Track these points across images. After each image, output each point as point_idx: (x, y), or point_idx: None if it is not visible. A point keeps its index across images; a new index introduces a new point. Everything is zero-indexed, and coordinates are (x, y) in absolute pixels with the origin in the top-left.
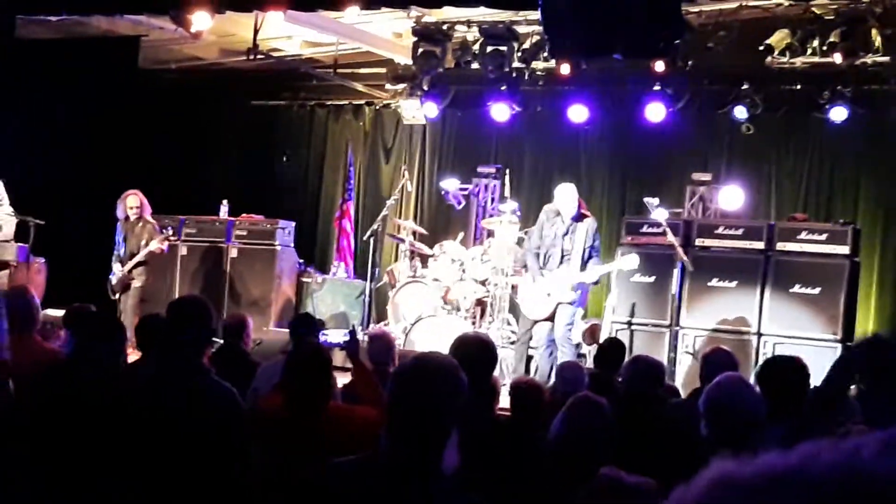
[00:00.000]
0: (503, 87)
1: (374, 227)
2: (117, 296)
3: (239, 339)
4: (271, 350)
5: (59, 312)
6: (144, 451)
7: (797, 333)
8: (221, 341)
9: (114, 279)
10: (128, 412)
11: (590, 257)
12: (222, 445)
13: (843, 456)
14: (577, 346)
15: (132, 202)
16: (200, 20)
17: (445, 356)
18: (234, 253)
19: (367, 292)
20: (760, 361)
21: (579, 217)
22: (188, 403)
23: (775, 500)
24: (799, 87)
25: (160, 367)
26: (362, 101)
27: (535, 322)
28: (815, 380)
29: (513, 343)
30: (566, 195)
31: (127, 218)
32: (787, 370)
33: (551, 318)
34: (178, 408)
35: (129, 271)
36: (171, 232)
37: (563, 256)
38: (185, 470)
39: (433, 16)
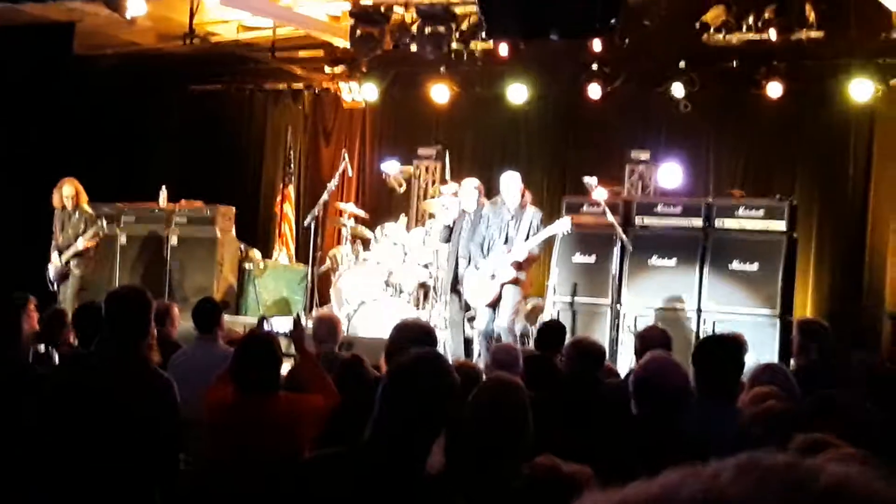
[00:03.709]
0: (442, 69)
1: (315, 211)
2: (56, 286)
3: (162, 327)
4: None
5: None
6: (80, 443)
7: (736, 310)
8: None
9: (52, 269)
10: (56, 403)
11: None
12: (160, 437)
13: (702, 483)
14: (522, 334)
15: (67, 191)
16: (135, 5)
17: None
18: (174, 240)
19: (310, 277)
20: (700, 338)
21: (523, 205)
22: (126, 394)
23: None
24: (735, 63)
25: (98, 358)
26: (301, 85)
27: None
28: (754, 355)
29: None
30: (509, 183)
31: (63, 207)
32: (720, 348)
33: (494, 305)
34: (116, 398)
35: (67, 262)
36: (105, 222)
37: (507, 242)
38: (122, 461)
39: None
